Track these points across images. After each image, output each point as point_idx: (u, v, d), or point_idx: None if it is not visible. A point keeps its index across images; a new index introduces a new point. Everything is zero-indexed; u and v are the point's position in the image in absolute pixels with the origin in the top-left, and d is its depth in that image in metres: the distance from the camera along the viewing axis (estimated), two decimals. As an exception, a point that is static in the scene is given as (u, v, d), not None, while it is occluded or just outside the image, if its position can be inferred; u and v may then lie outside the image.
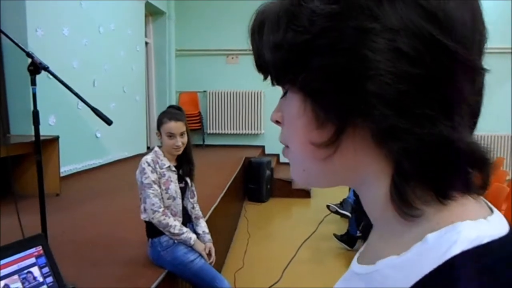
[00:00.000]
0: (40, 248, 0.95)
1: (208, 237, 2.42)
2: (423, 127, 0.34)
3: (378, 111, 0.34)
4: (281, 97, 0.45)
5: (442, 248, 0.33)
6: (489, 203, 0.40)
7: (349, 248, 4.27)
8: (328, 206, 4.43)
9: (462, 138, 0.35)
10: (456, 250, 0.32)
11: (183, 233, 2.25)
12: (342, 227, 4.72)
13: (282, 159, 7.87)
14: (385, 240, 0.40)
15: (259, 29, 0.42)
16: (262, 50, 0.41)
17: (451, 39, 0.33)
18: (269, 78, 0.44)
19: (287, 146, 0.45)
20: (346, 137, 0.38)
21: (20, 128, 3.86)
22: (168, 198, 2.27)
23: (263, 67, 0.43)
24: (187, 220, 2.40)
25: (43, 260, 0.95)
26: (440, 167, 0.35)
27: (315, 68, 0.36)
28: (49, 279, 0.96)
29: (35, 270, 0.93)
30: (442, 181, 0.36)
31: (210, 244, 2.39)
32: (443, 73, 0.34)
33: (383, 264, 0.37)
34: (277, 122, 0.46)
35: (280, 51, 0.39)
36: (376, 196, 0.40)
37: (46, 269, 0.95)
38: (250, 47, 0.44)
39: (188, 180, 2.42)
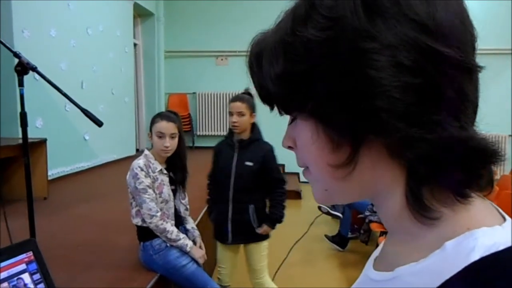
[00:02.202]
0: (30, 253, 0.91)
1: (197, 232, 2.43)
2: (435, 132, 0.35)
3: (390, 125, 0.35)
4: (289, 124, 0.46)
5: (461, 255, 0.34)
6: (500, 210, 0.41)
7: (340, 249, 4.27)
8: (319, 207, 4.43)
9: (472, 136, 0.36)
10: (475, 257, 0.33)
11: (179, 239, 2.22)
12: (333, 228, 4.73)
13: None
14: (402, 245, 0.41)
15: (257, 61, 0.42)
16: (264, 83, 0.41)
17: (445, 46, 0.35)
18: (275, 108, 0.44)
19: (306, 167, 0.46)
20: (362, 154, 0.39)
21: (6, 131, 3.79)
22: (162, 202, 2.23)
23: (267, 98, 0.43)
24: (179, 222, 2.37)
25: (34, 266, 0.92)
26: (455, 168, 0.36)
27: (322, 94, 0.37)
28: (40, 286, 0.92)
29: (26, 277, 0.90)
30: (459, 181, 0.37)
31: (200, 240, 2.40)
32: (445, 78, 0.35)
33: (403, 271, 0.38)
34: (289, 147, 0.47)
35: (283, 83, 0.40)
36: (392, 204, 0.40)
37: (37, 276, 0.91)
38: (251, 80, 0.44)
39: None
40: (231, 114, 2.41)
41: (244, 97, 2.45)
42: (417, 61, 0.34)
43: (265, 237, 2.58)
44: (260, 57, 0.42)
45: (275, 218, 2.55)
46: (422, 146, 0.35)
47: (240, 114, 2.40)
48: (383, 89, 0.34)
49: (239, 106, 2.40)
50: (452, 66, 0.35)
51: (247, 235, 2.54)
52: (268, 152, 2.52)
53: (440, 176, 0.36)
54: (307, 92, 0.38)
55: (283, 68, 0.39)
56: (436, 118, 0.35)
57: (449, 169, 0.36)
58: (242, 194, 2.46)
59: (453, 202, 0.37)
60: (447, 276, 0.33)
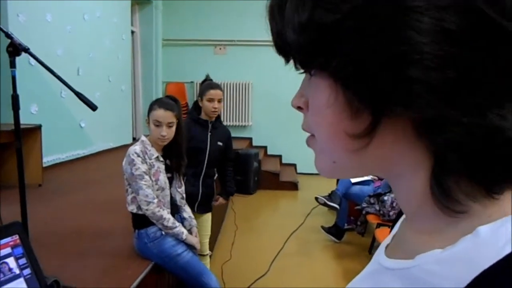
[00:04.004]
0: (16, 237, 0.87)
1: (194, 222, 2.42)
2: (472, 117, 0.30)
3: (423, 100, 0.30)
4: (304, 81, 0.40)
5: (498, 243, 0.29)
6: None
7: (336, 241, 4.27)
8: (316, 198, 4.42)
9: None
10: None
11: (176, 227, 2.19)
12: (329, 219, 4.72)
13: (270, 151, 7.85)
14: (424, 233, 0.37)
15: (280, 6, 0.36)
16: (284, 30, 0.36)
17: (505, 18, 0.29)
18: (291, 62, 0.39)
19: (312, 135, 0.41)
20: (384, 126, 0.34)
21: (1, 116, 3.73)
22: (157, 189, 2.20)
23: (284, 49, 0.38)
24: (175, 210, 2.35)
25: (19, 250, 0.87)
26: (490, 160, 0.32)
27: (349, 52, 0.32)
28: (27, 271, 0.88)
29: (11, 261, 0.85)
30: (493, 175, 0.32)
31: (196, 230, 2.40)
32: (495, 56, 0.29)
33: (425, 259, 0.33)
34: (298, 108, 0.41)
35: (306, 33, 0.34)
36: (412, 189, 0.36)
37: (23, 260, 0.87)
38: (269, 27, 0.38)
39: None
40: (212, 100, 2.63)
41: (220, 85, 2.76)
42: (467, 30, 0.29)
43: (211, 208, 2.92)
44: (285, 2, 0.36)
45: (230, 191, 2.98)
46: (456, 131, 0.30)
47: (220, 100, 2.67)
48: (422, 56, 0.29)
49: (220, 93, 2.67)
50: (508, 44, 0.30)
51: (207, 206, 2.84)
52: (230, 134, 2.89)
53: (472, 167, 0.32)
54: (332, 47, 0.32)
55: (309, 16, 0.33)
56: (476, 101, 0.30)
57: (484, 161, 0.32)
58: (210, 170, 2.76)
59: (483, 197, 0.33)
60: (483, 265, 0.29)
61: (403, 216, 0.47)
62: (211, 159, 2.73)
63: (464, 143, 0.31)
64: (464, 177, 0.33)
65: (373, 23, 0.30)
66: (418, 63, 0.29)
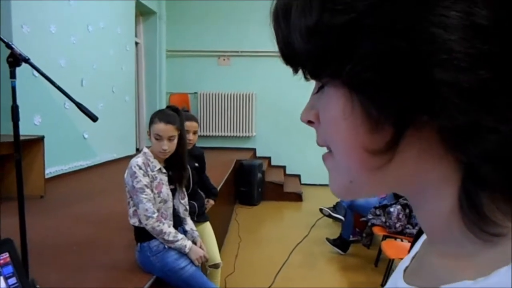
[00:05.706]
0: (6, 255, 0.83)
1: (196, 233, 2.39)
2: (509, 124, 0.26)
3: (453, 105, 0.26)
4: (315, 93, 0.36)
5: None
6: None
7: (342, 253, 4.21)
8: (321, 210, 4.37)
9: None
10: None
11: (177, 240, 2.15)
12: (334, 231, 4.66)
13: (274, 162, 7.81)
14: (449, 259, 0.32)
15: (285, 11, 0.33)
16: (291, 38, 0.32)
17: None
18: (300, 72, 0.35)
19: (330, 151, 0.37)
20: (408, 139, 0.30)
21: (4, 128, 3.72)
22: (160, 202, 2.17)
23: (291, 58, 0.34)
24: (178, 223, 2.31)
25: (9, 269, 0.83)
26: None
27: (365, 55, 0.28)
28: (17, 292, 0.84)
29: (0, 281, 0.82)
30: None
31: (200, 240, 2.36)
32: None
33: None
34: (309, 122, 0.38)
35: (315, 38, 0.30)
36: (438, 209, 0.32)
37: (13, 280, 0.83)
38: (274, 34, 0.35)
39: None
40: (187, 132, 2.64)
41: (195, 116, 2.92)
42: (501, 25, 0.25)
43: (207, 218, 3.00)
44: (290, 6, 0.32)
45: (214, 193, 3.18)
46: (491, 139, 0.27)
47: (195, 132, 2.78)
48: (450, 55, 0.26)
49: (196, 125, 2.79)
50: None
51: (204, 215, 2.93)
52: (202, 153, 3.09)
53: (508, 182, 0.28)
54: (345, 51, 0.29)
55: (317, 19, 0.29)
56: None
57: None
58: (194, 186, 2.85)
59: None
60: None
61: (425, 236, 0.43)
62: (194, 180, 2.84)
63: (500, 154, 0.27)
64: (500, 193, 0.29)
65: (393, 20, 0.27)
66: (446, 63, 0.26)
